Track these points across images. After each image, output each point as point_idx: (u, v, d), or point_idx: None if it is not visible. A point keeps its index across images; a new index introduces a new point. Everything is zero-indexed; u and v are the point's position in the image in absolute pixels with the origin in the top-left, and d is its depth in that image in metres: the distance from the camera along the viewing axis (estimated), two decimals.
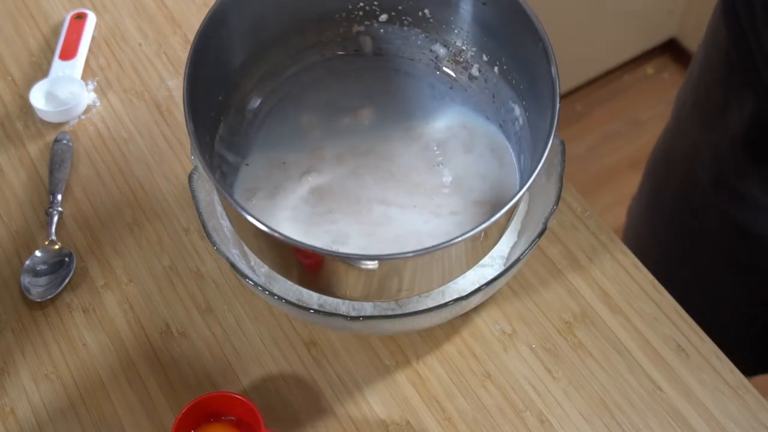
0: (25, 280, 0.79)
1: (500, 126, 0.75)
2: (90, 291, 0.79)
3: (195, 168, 0.72)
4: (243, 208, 0.60)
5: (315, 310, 0.68)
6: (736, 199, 0.84)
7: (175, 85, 0.92)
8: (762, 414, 0.71)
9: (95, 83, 0.93)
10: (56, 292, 0.79)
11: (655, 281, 0.78)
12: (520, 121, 0.73)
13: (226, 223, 0.75)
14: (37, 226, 0.83)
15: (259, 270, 0.75)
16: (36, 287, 0.79)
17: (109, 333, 0.77)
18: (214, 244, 0.68)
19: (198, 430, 0.69)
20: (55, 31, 0.97)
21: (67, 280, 0.79)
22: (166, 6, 0.98)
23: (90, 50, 0.95)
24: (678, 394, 0.72)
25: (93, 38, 0.96)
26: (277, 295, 0.67)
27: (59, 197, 0.84)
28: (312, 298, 0.73)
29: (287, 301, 0.67)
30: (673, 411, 0.72)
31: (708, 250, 0.92)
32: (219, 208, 0.75)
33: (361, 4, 0.75)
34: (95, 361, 0.76)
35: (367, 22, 0.76)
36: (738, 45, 0.76)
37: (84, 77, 0.93)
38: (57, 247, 0.81)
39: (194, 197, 0.71)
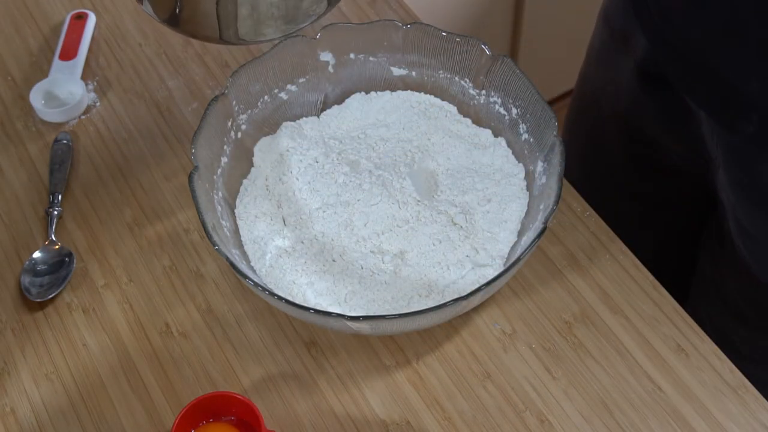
0: (25, 280, 0.79)
1: None
2: (90, 291, 0.79)
3: (195, 168, 0.72)
4: None
5: (315, 310, 0.67)
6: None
7: (175, 85, 0.92)
8: (762, 414, 0.71)
9: (95, 83, 0.93)
10: (56, 292, 0.79)
11: (655, 281, 0.78)
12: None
13: (226, 222, 0.75)
14: (37, 226, 0.83)
15: (259, 270, 0.75)
16: (36, 287, 0.79)
17: (109, 333, 0.77)
18: (214, 244, 0.68)
19: (198, 430, 0.69)
20: (55, 31, 0.97)
21: (67, 280, 0.79)
22: None
23: (90, 50, 0.95)
24: (678, 394, 0.72)
25: (93, 38, 0.96)
26: (277, 295, 0.67)
27: (59, 197, 0.84)
28: (312, 298, 0.73)
29: (287, 301, 0.67)
30: (673, 411, 0.72)
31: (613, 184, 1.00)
32: (219, 208, 0.75)
33: None
34: (95, 361, 0.76)
35: None
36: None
37: (84, 77, 0.93)
38: (57, 247, 0.81)
39: (194, 197, 0.71)
